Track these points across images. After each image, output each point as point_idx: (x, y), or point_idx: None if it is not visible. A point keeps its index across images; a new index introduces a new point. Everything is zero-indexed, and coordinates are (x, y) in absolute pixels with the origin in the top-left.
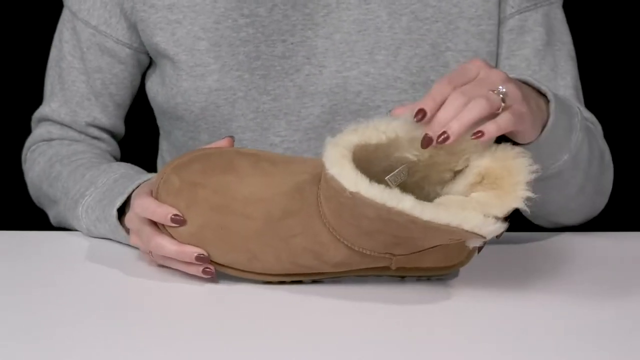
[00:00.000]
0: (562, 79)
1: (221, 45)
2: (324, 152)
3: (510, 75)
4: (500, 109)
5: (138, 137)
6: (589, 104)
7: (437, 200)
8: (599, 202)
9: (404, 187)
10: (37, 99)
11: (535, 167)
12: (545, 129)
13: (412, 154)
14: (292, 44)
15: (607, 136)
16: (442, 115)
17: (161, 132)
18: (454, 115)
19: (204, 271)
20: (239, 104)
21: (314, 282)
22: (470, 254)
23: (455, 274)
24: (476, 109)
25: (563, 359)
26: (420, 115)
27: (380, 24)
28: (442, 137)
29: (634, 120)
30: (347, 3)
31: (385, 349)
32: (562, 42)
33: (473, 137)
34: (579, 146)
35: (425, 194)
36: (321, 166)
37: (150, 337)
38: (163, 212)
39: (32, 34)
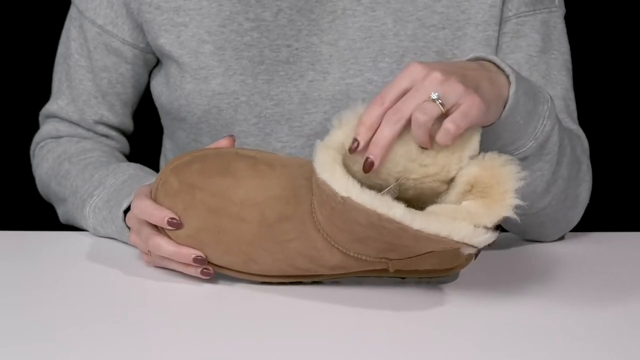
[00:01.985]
0: (552, 89)
1: (225, 49)
2: (314, 156)
3: (469, 56)
4: (443, 112)
5: (142, 134)
6: (588, 106)
7: (428, 209)
8: (571, 215)
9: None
10: (38, 100)
11: (523, 174)
12: (504, 112)
13: (404, 148)
14: (296, 49)
15: (606, 138)
16: (378, 137)
17: (165, 131)
18: (390, 135)
19: (202, 272)
20: (242, 108)
21: (314, 282)
22: (469, 256)
23: (455, 276)
24: (415, 127)
25: None
26: (355, 145)
27: (386, 32)
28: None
29: (634, 121)
30: (353, 10)
31: (385, 352)
32: (559, 52)
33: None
34: (547, 135)
35: (421, 206)
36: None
37: (150, 336)
38: (160, 215)
39: (38, 29)
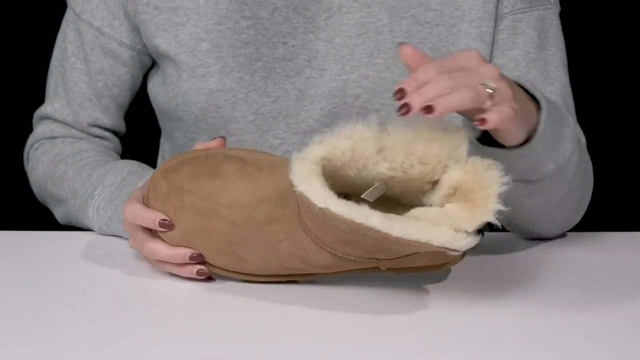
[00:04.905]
0: (550, 85)
1: (222, 47)
2: (291, 168)
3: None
4: (487, 105)
5: (140, 136)
6: (587, 106)
7: (410, 213)
8: (576, 215)
9: (386, 198)
10: (37, 100)
11: (506, 179)
12: (533, 139)
13: (384, 167)
14: (292, 46)
15: (606, 137)
16: (426, 89)
17: (163, 132)
18: (438, 94)
19: (198, 272)
20: (239, 105)
21: (309, 280)
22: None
23: (448, 270)
24: (463, 95)
25: None
26: (400, 95)
27: (381, 28)
28: (428, 108)
29: (634, 121)
30: (349, 7)
31: (383, 353)
32: (556, 48)
33: (476, 122)
34: (567, 158)
35: (407, 202)
36: None
37: (150, 336)
38: (151, 218)
39: (34, 33)
